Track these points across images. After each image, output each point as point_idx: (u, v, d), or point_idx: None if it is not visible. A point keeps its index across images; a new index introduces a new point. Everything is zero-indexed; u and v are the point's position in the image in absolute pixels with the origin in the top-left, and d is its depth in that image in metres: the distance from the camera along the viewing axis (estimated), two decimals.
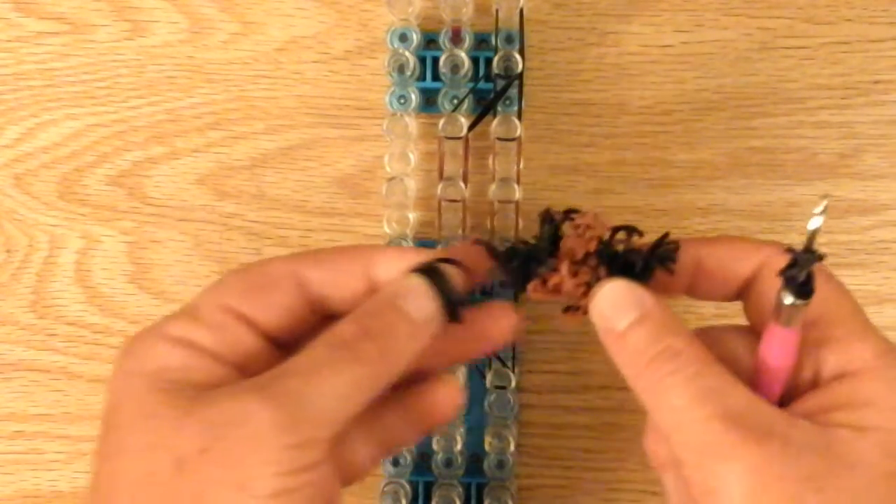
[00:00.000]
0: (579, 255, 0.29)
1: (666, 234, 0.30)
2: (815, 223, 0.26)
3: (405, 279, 0.29)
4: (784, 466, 0.25)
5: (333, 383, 0.26)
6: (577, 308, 0.30)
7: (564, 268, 0.29)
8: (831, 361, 0.28)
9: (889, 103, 0.41)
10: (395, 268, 0.30)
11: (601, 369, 0.41)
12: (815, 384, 0.29)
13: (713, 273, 0.30)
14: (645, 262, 0.30)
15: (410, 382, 0.31)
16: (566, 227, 0.30)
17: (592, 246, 0.29)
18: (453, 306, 0.29)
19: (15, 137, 0.42)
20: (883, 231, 0.41)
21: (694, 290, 0.31)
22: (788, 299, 0.27)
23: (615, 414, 0.41)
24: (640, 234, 0.30)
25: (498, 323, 0.31)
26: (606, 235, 0.30)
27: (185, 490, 0.25)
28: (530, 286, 0.30)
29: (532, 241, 0.31)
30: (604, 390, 0.41)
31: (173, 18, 0.42)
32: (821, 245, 0.41)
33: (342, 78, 0.42)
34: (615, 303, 0.29)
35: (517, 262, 0.30)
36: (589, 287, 0.29)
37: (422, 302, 0.29)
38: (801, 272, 0.27)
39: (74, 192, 0.42)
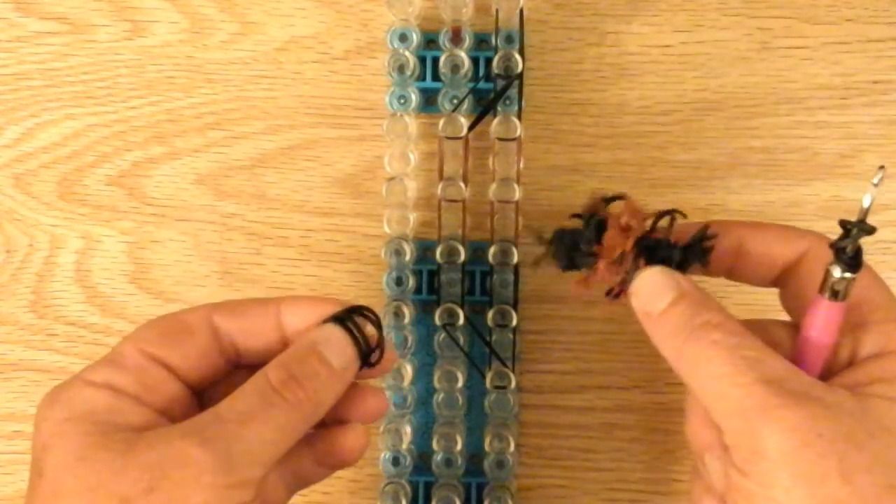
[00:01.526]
0: (617, 253, 0.30)
1: (706, 227, 0.31)
2: (868, 197, 0.27)
3: (323, 328, 0.31)
4: (824, 426, 0.26)
5: (265, 427, 0.28)
6: (617, 293, 0.31)
7: (602, 265, 0.31)
8: (868, 342, 0.30)
9: (889, 103, 0.41)
10: (304, 318, 0.31)
11: (601, 369, 0.41)
12: (850, 364, 0.30)
13: (755, 257, 0.32)
14: (682, 257, 0.30)
15: (319, 425, 0.32)
16: (609, 222, 0.31)
17: (629, 245, 0.30)
18: (367, 353, 0.31)
19: (15, 137, 0.42)
20: (883, 231, 0.41)
21: (734, 273, 0.32)
22: (837, 272, 0.28)
23: (615, 414, 0.41)
24: (684, 215, 0.31)
25: (353, 438, 0.32)
26: (648, 225, 0.31)
27: None
28: (572, 285, 0.31)
29: (577, 224, 0.31)
30: (604, 390, 0.41)
31: (173, 18, 0.42)
32: None
33: (342, 78, 0.42)
34: (653, 287, 0.30)
35: (563, 248, 0.31)
36: (627, 276, 0.31)
37: (341, 348, 0.30)
38: (853, 244, 0.27)
39: (74, 192, 0.42)
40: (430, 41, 0.40)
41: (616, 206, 0.31)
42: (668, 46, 0.41)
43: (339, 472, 0.41)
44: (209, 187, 0.42)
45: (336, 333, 0.30)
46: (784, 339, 0.31)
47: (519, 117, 0.39)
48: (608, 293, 0.31)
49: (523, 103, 0.40)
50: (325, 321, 0.31)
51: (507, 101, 0.39)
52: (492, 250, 0.39)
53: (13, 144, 0.42)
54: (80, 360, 0.42)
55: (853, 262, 0.28)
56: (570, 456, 0.41)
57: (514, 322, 0.39)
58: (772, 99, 0.41)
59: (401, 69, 0.39)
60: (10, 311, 0.42)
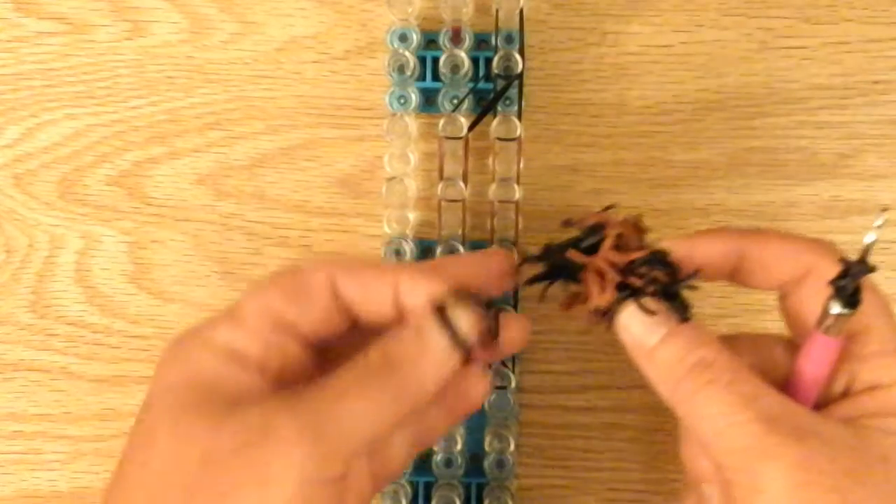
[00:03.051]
0: (601, 297, 0.30)
1: (695, 273, 0.30)
2: (871, 237, 0.27)
3: (428, 320, 0.30)
4: (824, 462, 0.26)
5: (359, 407, 0.28)
6: (600, 319, 0.31)
7: (589, 291, 0.30)
8: (864, 375, 0.29)
9: (889, 103, 0.41)
10: (420, 292, 0.31)
11: (601, 369, 0.41)
12: (845, 395, 0.30)
13: (756, 268, 0.31)
14: (664, 297, 0.30)
15: None
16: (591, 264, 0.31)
17: (608, 296, 0.30)
18: (467, 350, 0.30)
19: (15, 137, 0.42)
20: (883, 231, 0.41)
21: (734, 280, 0.32)
22: (836, 309, 0.28)
23: (615, 414, 0.41)
24: (668, 253, 0.30)
25: (477, 385, 0.32)
26: (636, 255, 0.30)
27: (209, 484, 0.27)
28: (562, 302, 0.32)
29: (565, 245, 0.31)
30: (604, 390, 0.41)
31: (173, 18, 0.42)
32: None
33: (342, 78, 0.42)
34: (642, 321, 0.30)
35: (548, 267, 0.31)
36: (611, 305, 0.30)
37: (443, 342, 0.30)
38: (852, 283, 0.27)
39: (74, 192, 0.42)
40: (430, 41, 0.40)
41: (612, 228, 0.31)
42: (668, 46, 0.41)
43: None
44: (209, 187, 0.42)
45: (439, 328, 0.30)
46: (781, 359, 0.31)
47: (519, 117, 0.39)
48: (591, 318, 0.31)
49: (523, 103, 0.40)
50: (433, 308, 0.30)
51: (507, 101, 0.39)
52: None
53: (13, 144, 0.42)
54: (80, 360, 0.42)
55: (852, 299, 0.27)
56: (570, 456, 0.41)
57: None
58: (772, 99, 0.41)
59: (401, 69, 0.39)
60: (10, 311, 0.42)
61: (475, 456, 0.40)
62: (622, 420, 0.41)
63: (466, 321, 0.30)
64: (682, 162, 0.41)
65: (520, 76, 0.39)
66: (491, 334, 0.31)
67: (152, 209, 0.42)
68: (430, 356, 0.29)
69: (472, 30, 0.39)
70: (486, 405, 0.39)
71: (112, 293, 0.42)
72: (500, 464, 0.39)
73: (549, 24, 0.41)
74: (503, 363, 0.39)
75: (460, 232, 0.39)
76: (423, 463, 0.40)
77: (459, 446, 0.39)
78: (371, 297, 0.31)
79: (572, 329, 0.41)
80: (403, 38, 0.40)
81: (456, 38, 0.39)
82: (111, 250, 0.42)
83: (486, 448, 0.39)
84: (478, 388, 0.32)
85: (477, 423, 0.40)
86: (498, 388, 0.39)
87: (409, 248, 0.39)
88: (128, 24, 0.42)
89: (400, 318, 0.31)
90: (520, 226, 0.39)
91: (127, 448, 0.29)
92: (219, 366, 0.29)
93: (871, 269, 0.27)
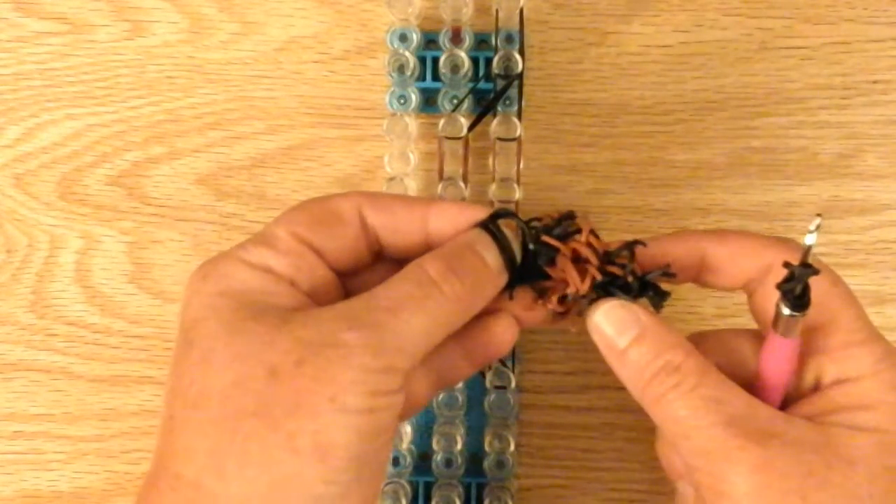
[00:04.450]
0: (569, 289, 0.31)
1: (667, 267, 0.31)
2: (810, 239, 0.27)
3: (476, 231, 0.30)
4: (786, 464, 0.27)
5: (419, 317, 0.28)
6: (564, 314, 0.31)
7: (574, 279, 0.31)
8: (831, 368, 0.29)
9: (889, 103, 0.41)
10: (451, 222, 0.31)
11: (601, 369, 0.41)
12: (815, 389, 0.30)
13: (718, 269, 0.31)
14: (638, 293, 0.31)
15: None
16: (561, 255, 0.31)
17: (586, 286, 0.30)
18: (513, 263, 0.31)
19: (15, 137, 0.42)
20: (883, 231, 0.41)
21: (700, 281, 0.32)
22: (786, 311, 0.28)
23: (615, 414, 0.41)
24: (644, 244, 0.31)
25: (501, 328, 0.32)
26: (614, 243, 0.31)
27: (279, 396, 0.26)
28: (533, 297, 0.31)
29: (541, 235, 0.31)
30: (604, 390, 0.41)
31: (173, 18, 0.42)
32: (820, 245, 0.41)
33: (342, 78, 0.42)
34: (613, 322, 0.30)
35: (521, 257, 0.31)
36: (581, 302, 0.31)
37: (494, 252, 0.30)
38: (798, 286, 0.27)
39: (74, 192, 0.42)
40: (430, 41, 0.40)
41: (578, 237, 0.31)
42: (668, 46, 0.41)
43: None
44: (209, 187, 0.42)
45: (486, 237, 0.30)
46: (750, 355, 0.31)
47: (519, 117, 0.39)
48: (556, 316, 0.32)
49: (523, 103, 0.40)
50: (475, 226, 0.30)
51: (507, 101, 0.39)
52: None
53: (13, 144, 0.42)
54: (80, 359, 0.42)
55: (799, 302, 0.28)
56: (570, 456, 0.41)
57: None
58: (772, 99, 0.41)
59: (401, 69, 0.39)
60: (10, 311, 0.42)
61: (475, 456, 0.40)
62: (622, 420, 0.41)
63: (515, 239, 0.30)
64: (682, 162, 0.41)
65: (520, 76, 0.39)
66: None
67: (152, 209, 0.42)
68: (486, 270, 0.30)
69: (472, 30, 0.39)
70: (487, 405, 0.39)
71: (112, 293, 0.42)
72: (500, 464, 0.39)
73: (549, 24, 0.41)
74: (503, 363, 0.39)
75: None
76: (423, 463, 0.40)
77: (459, 446, 0.39)
78: (400, 226, 0.31)
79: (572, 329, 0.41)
80: (403, 38, 0.40)
81: (456, 38, 0.39)
82: (111, 250, 0.42)
83: (486, 448, 0.39)
84: (507, 333, 0.32)
85: (477, 423, 0.40)
86: (498, 388, 0.39)
87: None
88: (128, 24, 0.42)
89: (427, 248, 0.31)
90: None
91: (177, 371, 0.28)
92: (256, 279, 0.29)
93: (815, 272, 0.27)
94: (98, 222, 0.42)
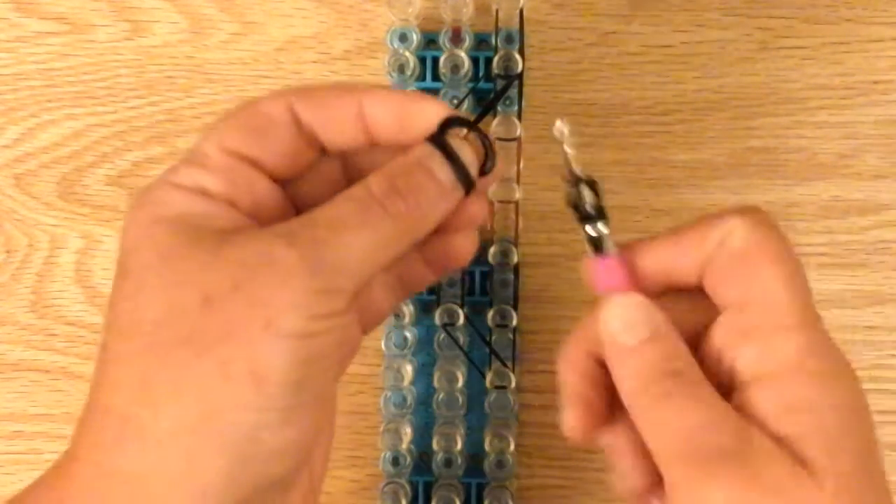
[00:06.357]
0: None
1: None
2: (567, 150, 0.29)
3: (427, 145, 0.29)
4: (755, 490, 0.25)
5: (361, 237, 0.27)
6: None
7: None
8: (748, 356, 0.27)
9: (889, 103, 0.41)
10: (388, 110, 0.29)
11: None
12: (732, 388, 0.28)
13: (659, 281, 0.29)
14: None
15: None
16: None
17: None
18: (470, 184, 0.29)
19: (15, 137, 0.42)
20: (883, 231, 0.41)
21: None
22: (589, 229, 0.29)
23: None
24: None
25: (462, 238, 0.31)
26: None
27: (212, 324, 0.25)
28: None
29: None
30: None
31: (173, 18, 0.42)
32: (821, 245, 0.41)
33: (342, 78, 0.42)
34: (627, 319, 0.28)
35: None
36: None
37: (446, 169, 0.29)
38: (579, 197, 0.30)
39: (74, 192, 0.42)
40: (430, 41, 0.40)
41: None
42: (668, 46, 0.41)
43: (340, 473, 0.41)
44: None
45: (436, 154, 0.29)
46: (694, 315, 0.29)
47: (519, 117, 0.39)
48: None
49: (523, 103, 0.40)
50: (426, 140, 0.29)
51: (507, 101, 0.39)
52: (492, 250, 0.39)
53: (13, 144, 0.42)
54: (80, 360, 0.42)
55: (593, 214, 0.29)
56: (570, 456, 0.41)
57: (514, 322, 0.39)
58: (772, 99, 0.41)
59: (401, 69, 0.39)
60: (10, 311, 0.42)
61: (475, 456, 0.40)
62: None
63: (468, 151, 0.29)
64: (682, 162, 0.41)
65: (520, 76, 0.38)
66: (487, 165, 0.30)
67: None
68: (436, 188, 0.28)
69: (472, 30, 0.39)
70: (487, 405, 0.39)
71: None
72: (500, 464, 0.39)
73: (549, 24, 0.41)
74: (503, 363, 0.39)
75: None
76: (423, 463, 0.40)
77: (459, 446, 0.39)
78: (334, 119, 0.29)
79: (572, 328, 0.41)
80: (403, 38, 0.40)
81: (456, 38, 0.39)
82: (111, 250, 0.42)
83: (486, 448, 0.39)
84: (465, 245, 0.31)
85: (477, 423, 0.40)
86: (498, 388, 0.39)
87: None
88: (128, 24, 0.42)
89: (370, 143, 0.29)
90: (520, 226, 0.39)
91: (113, 300, 0.27)
92: (193, 202, 0.27)
93: (589, 181, 0.29)
94: (98, 222, 0.42)
